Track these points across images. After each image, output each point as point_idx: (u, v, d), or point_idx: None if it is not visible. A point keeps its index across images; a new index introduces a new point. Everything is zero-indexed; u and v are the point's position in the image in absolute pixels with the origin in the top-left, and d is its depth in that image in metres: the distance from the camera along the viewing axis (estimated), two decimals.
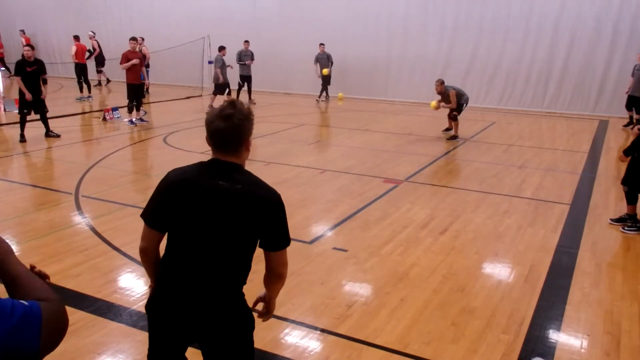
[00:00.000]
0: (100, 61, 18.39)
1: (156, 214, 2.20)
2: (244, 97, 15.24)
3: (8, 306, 1.16)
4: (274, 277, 2.24)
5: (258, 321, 3.76)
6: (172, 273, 2.17)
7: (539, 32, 14.86)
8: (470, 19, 15.58)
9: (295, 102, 16.28)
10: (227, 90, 14.23)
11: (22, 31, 21.40)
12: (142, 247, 2.26)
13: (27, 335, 1.16)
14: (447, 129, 11.35)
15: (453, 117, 10.78)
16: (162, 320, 2.21)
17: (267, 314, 2.39)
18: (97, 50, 18.12)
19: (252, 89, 15.82)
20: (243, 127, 2.12)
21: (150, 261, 2.28)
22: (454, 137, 10.72)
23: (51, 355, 3.26)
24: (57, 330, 1.26)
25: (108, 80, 19.62)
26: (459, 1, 15.67)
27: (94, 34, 18.14)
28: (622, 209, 5.99)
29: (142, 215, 2.27)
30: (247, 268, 2.22)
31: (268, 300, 2.36)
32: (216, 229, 2.09)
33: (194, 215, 2.10)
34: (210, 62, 17.81)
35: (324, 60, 16.09)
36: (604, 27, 14.08)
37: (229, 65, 14.39)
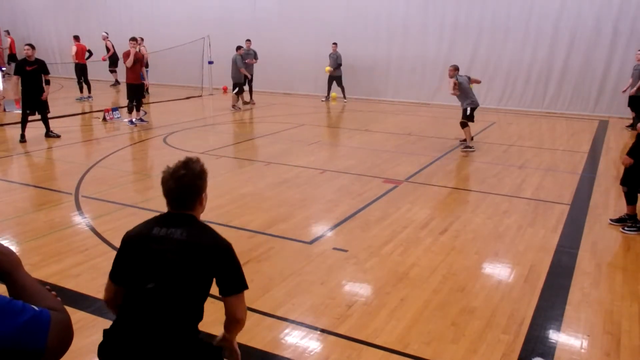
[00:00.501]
0: (114, 61, 18.12)
1: (116, 268, 2.33)
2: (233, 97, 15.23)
3: (19, 305, 1.19)
4: (233, 322, 2.32)
5: (259, 322, 3.77)
6: (125, 320, 2.24)
7: (539, 32, 14.86)
8: (470, 19, 15.58)
9: (295, 102, 16.28)
10: (240, 88, 14.50)
11: (7, 32, 21.40)
12: (105, 298, 2.40)
13: (34, 336, 1.18)
14: (463, 140, 10.14)
15: (461, 124, 10.12)
16: None
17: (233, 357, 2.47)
18: (112, 50, 17.87)
19: (252, 88, 15.79)
20: (195, 187, 2.27)
21: (114, 311, 2.39)
22: (468, 147, 9.62)
23: None
24: (63, 340, 1.28)
25: (117, 82, 19.30)
26: (459, 1, 15.67)
27: (107, 34, 17.97)
28: (622, 209, 5.98)
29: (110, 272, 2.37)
30: (199, 315, 2.29)
31: (228, 344, 2.45)
32: (166, 275, 2.17)
33: (147, 264, 2.20)
34: (210, 62, 17.83)
35: (332, 59, 16.00)
36: (604, 27, 14.08)
37: (247, 60, 14.90)
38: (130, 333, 2.19)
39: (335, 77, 16.13)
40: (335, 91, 16.42)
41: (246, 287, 2.28)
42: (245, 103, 15.19)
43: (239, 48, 14.52)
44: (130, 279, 2.24)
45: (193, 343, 2.22)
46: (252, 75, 15.34)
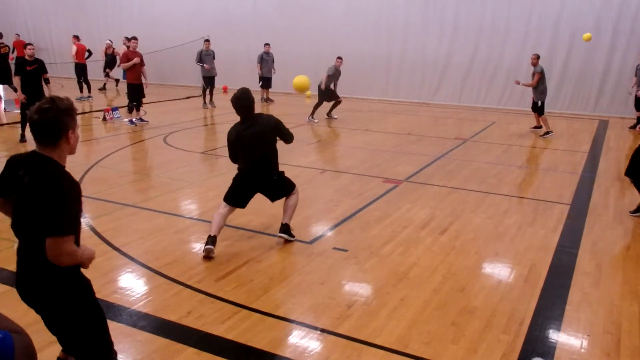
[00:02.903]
0: (110, 64, 17.81)
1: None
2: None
3: None
4: (54, 262, 2.31)
5: (259, 321, 3.77)
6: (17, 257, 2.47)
7: (539, 33, 14.87)
8: (470, 19, 15.59)
9: (295, 102, 16.28)
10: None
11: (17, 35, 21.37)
12: None
13: None
14: (536, 127, 11.80)
15: (538, 112, 11.35)
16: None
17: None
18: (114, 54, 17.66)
19: (252, 89, 15.77)
20: (58, 121, 2.29)
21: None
22: (547, 133, 11.11)
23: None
24: None
25: (117, 81, 19.00)
26: (459, 1, 15.68)
27: (112, 42, 17.78)
28: (626, 205, 6.03)
29: None
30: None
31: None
32: (21, 214, 2.35)
33: (14, 198, 2.38)
34: None
35: (338, 73, 13.03)
36: (604, 27, 14.09)
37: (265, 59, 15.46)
38: (18, 265, 2.46)
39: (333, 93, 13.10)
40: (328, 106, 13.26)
41: (60, 232, 2.24)
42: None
43: (266, 45, 15.44)
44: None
45: (58, 275, 2.35)
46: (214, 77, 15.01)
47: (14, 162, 2.41)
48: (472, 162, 8.80)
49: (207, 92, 15.06)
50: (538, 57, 11.18)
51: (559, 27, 14.62)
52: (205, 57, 14.72)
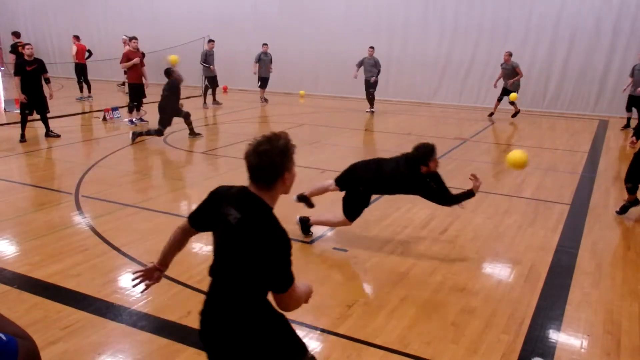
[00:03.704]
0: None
1: (197, 214, 2.36)
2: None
3: None
4: (284, 310, 2.21)
5: None
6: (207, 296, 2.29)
7: (539, 32, 14.87)
8: (470, 19, 15.59)
9: (295, 102, 16.28)
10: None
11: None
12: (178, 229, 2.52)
13: None
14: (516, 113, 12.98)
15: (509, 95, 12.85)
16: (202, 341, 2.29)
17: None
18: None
19: (252, 88, 15.85)
20: (276, 164, 2.09)
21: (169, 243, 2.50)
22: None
23: (52, 355, 3.27)
24: None
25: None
26: (459, 1, 15.68)
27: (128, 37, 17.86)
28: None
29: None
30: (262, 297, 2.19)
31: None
32: (225, 255, 2.17)
33: (215, 236, 2.22)
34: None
35: (369, 65, 14.19)
36: (604, 27, 14.09)
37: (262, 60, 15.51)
38: (208, 308, 2.25)
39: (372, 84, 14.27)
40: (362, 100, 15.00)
41: (289, 285, 2.09)
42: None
43: (263, 45, 15.43)
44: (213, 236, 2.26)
45: (261, 313, 2.19)
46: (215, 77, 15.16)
47: (221, 195, 2.23)
48: (472, 162, 8.79)
49: (210, 92, 15.18)
50: (511, 54, 13.08)
51: (559, 27, 14.62)
52: (209, 57, 14.87)
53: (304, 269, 4.63)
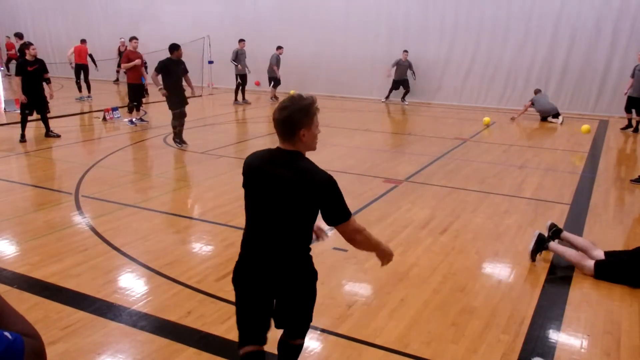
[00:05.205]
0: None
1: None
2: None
3: None
4: (351, 243, 2.59)
5: None
6: (249, 246, 2.55)
7: (539, 32, 14.87)
8: (470, 19, 15.59)
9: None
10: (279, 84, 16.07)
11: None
12: None
13: None
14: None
15: None
16: (245, 285, 2.56)
17: (383, 261, 2.77)
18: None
19: (251, 88, 15.96)
20: (293, 119, 2.36)
21: None
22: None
23: (52, 355, 3.26)
24: None
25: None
26: (459, 1, 15.68)
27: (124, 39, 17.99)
28: (626, 205, 6.01)
29: None
30: (308, 237, 2.54)
31: (378, 254, 2.76)
32: (277, 209, 2.41)
33: (260, 196, 2.47)
34: (210, 62, 17.82)
35: (403, 67, 15.87)
36: (604, 27, 14.09)
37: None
38: (256, 257, 2.51)
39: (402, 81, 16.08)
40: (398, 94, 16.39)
41: (347, 217, 2.46)
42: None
43: (279, 48, 15.84)
44: (248, 204, 2.56)
45: (304, 261, 2.55)
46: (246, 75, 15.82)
47: (259, 159, 2.52)
48: (472, 162, 8.80)
49: (240, 89, 15.71)
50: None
51: (559, 27, 14.62)
52: (240, 55, 15.53)
53: None
